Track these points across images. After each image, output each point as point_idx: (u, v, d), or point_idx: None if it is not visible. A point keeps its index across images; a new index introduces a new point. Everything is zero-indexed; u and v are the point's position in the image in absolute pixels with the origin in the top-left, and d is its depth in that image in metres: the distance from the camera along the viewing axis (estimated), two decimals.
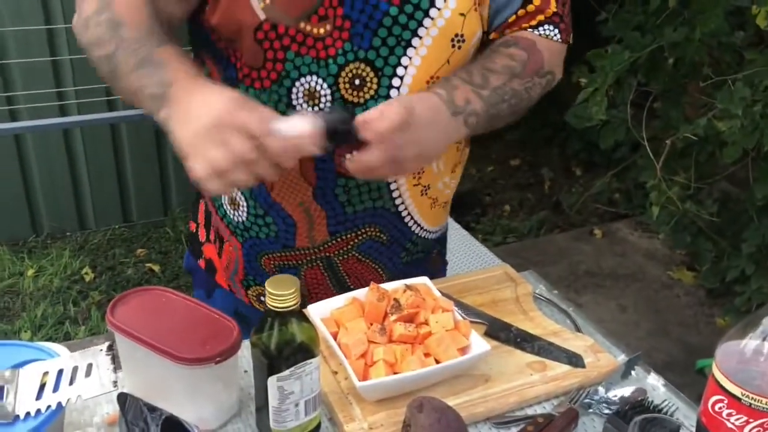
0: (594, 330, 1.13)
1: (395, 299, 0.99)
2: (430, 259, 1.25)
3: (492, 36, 1.05)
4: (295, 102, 0.98)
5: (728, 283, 2.70)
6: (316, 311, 1.00)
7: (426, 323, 0.98)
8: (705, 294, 2.92)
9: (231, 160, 0.78)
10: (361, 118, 0.86)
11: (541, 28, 1.04)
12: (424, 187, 1.10)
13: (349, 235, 1.10)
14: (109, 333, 0.86)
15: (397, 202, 1.09)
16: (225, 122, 0.79)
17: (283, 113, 0.92)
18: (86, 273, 3.02)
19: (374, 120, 0.86)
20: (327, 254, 1.11)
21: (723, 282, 2.75)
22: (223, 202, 1.13)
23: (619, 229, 3.37)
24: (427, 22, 0.95)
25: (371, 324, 0.97)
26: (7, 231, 3.17)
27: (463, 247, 2.12)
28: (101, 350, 0.85)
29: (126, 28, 0.90)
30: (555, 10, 1.04)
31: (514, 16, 1.03)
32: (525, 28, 1.04)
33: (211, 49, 1.02)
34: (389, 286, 1.03)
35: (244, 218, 1.10)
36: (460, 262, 2.04)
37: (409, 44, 0.96)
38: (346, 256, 1.12)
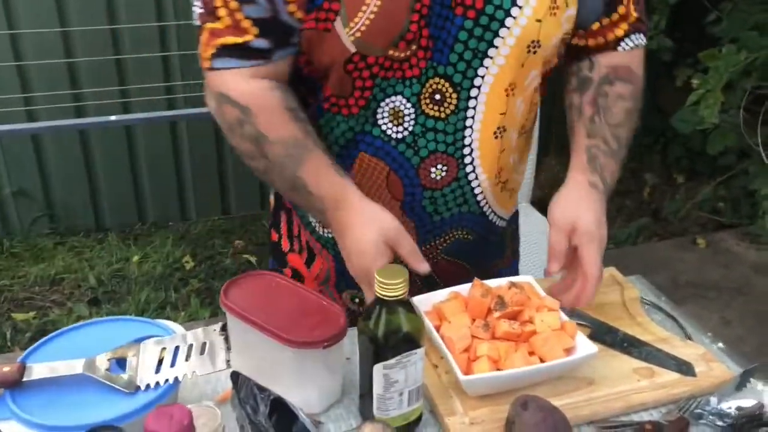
0: (706, 338, 1.08)
1: (499, 296, 0.98)
2: (506, 239, 1.25)
3: (574, 41, 1.06)
4: (380, 122, 1.00)
5: None
6: (419, 303, 1.00)
7: (531, 321, 0.96)
8: None
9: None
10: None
11: (628, 40, 1.06)
12: (503, 182, 1.11)
13: (438, 241, 1.11)
14: (222, 315, 0.90)
15: (482, 204, 1.09)
16: (381, 254, 0.91)
17: (369, 132, 1.01)
18: (186, 261, 3.15)
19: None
20: None
21: None
22: (311, 219, 1.14)
23: (723, 239, 3.21)
24: (503, 32, 0.94)
25: (474, 319, 0.97)
26: (116, 219, 3.35)
27: None
28: (215, 330, 0.88)
29: (270, 146, 0.96)
30: (636, 15, 1.06)
31: (598, 24, 1.04)
32: (612, 39, 1.06)
33: (302, 81, 1.02)
34: (493, 283, 1.02)
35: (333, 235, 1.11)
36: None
37: (485, 55, 0.96)
38: (435, 260, 1.12)
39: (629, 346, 1.02)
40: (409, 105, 0.98)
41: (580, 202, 0.99)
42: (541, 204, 3.31)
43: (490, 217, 1.13)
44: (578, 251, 0.97)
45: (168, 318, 2.84)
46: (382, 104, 0.98)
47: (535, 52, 0.98)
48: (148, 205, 3.40)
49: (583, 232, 0.97)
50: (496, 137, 1.03)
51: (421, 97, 0.98)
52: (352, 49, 0.93)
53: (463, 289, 1.02)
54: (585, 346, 0.95)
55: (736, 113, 2.42)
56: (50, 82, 2.91)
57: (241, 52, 0.94)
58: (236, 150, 1.00)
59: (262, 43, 0.94)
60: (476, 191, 1.07)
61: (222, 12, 0.93)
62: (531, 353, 0.94)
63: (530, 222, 2.24)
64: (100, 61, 2.92)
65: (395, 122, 0.99)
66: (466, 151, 1.03)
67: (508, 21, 0.94)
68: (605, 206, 1.02)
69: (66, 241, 3.24)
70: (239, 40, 0.94)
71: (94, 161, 3.21)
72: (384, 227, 0.92)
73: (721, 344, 1.07)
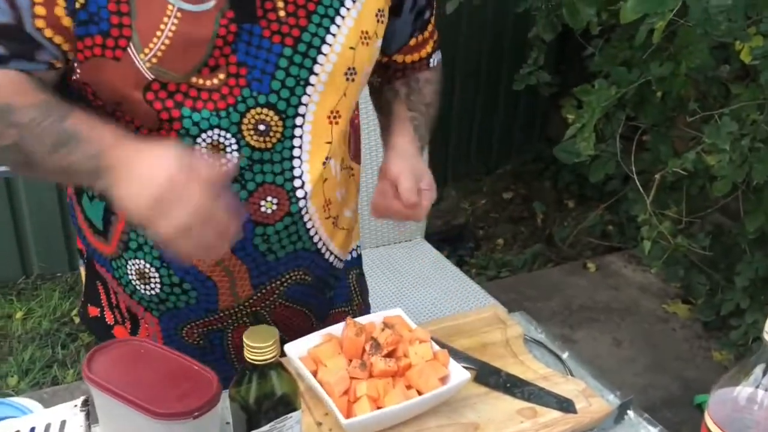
0: (586, 372, 1.10)
1: (373, 338, 0.98)
2: (350, 284, 1.25)
3: (385, 60, 1.14)
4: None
5: (724, 317, 2.68)
6: (293, 351, 0.99)
7: (405, 355, 0.98)
8: (701, 327, 2.89)
9: (195, 214, 0.77)
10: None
11: (435, 56, 1.21)
12: (334, 218, 1.10)
13: (274, 284, 1.07)
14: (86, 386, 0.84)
15: (315, 239, 1.07)
16: (180, 180, 0.77)
17: None
18: (75, 315, 2.98)
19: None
20: (253, 309, 1.08)
21: (718, 315, 2.73)
22: (131, 278, 1.06)
23: (612, 262, 3.35)
24: (321, 58, 0.96)
25: (351, 360, 0.96)
26: None
27: (454, 285, 2.10)
28: (75, 406, 0.82)
29: (19, 112, 0.85)
30: (435, 36, 1.20)
31: (415, 40, 1.15)
32: (425, 55, 1.18)
33: (95, 111, 0.92)
34: (363, 320, 1.03)
35: (158, 290, 1.04)
36: (451, 301, 2.01)
37: (307, 82, 0.96)
38: (272, 306, 1.09)
39: (512, 386, 1.03)
40: (229, 136, 0.94)
41: (409, 160, 1.06)
42: (438, 236, 3.38)
43: (327, 256, 1.11)
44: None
45: (56, 377, 2.68)
46: (199, 139, 0.93)
47: (353, 80, 1.00)
48: (32, 257, 3.21)
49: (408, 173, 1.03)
50: (324, 166, 1.02)
51: (243, 127, 0.94)
52: (150, 76, 0.88)
53: (337, 329, 1.03)
54: (458, 372, 0.98)
55: (614, 142, 2.55)
56: None
57: None
58: None
59: None
60: (308, 225, 1.04)
61: None
62: (408, 387, 0.95)
63: (422, 257, 2.26)
64: None
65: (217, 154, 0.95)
66: (297, 183, 1.00)
67: (325, 48, 0.96)
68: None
69: None
70: None
71: None
72: (179, 152, 0.81)
73: (592, 380, 1.10)
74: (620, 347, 2.80)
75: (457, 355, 1.07)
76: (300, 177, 1.00)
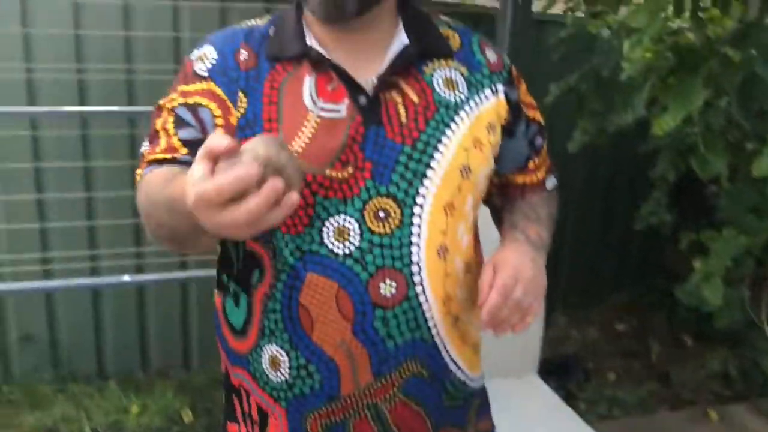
0: None
1: None
2: (470, 409, 1.24)
3: (504, 180, 1.24)
4: (326, 240, 1.06)
5: None
6: None
7: None
8: None
9: (230, 189, 0.74)
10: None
11: (549, 181, 1.30)
12: (454, 317, 1.13)
13: (393, 375, 1.10)
14: None
15: (433, 332, 1.11)
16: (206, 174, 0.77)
17: (316, 252, 1.05)
18: (185, 414, 3.08)
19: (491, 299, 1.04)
20: (374, 400, 1.11)
21: None
22: (264, 368, 1.13)
23: (737, 412, 3.12)
24: (437, 155, 1.08)
25: None
26: (119, 365, 3.33)
27: (568, 426, 2.02)
28: None
29: (146, 184, 1.03)
30: (549, 162, 1.30)
31: (533, 163, 1.25)
32: (539, 178, 1.27)
33: None
34: None
35: (287, 375, 1.11)
36: None
37: (424, 176, 1.07)
38: (392, 401, 1.12)
39: None
40: (353, 221, 1.05)
41: (520, 257, 1.12)
42: (549, 366, 3.28)
43: (443, 354, 1.14)
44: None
45: None
46: (327, 223, 1.05)
47: (468, 177, 1.11)
48: (152, 352, 3.38)
49: (503, 263, 1.10)
50: (440, 256, 1.08)
51: (365, 214, 1.05)
52: None
53: None
54: None
55: (742, 287, 2.45)
56: (68, 242, 3.01)
57: (169, 163, 1.04)
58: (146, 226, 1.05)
59: (189, 159, 1.03)
60: (426, 315, 1.09)
61: (161, 136, 1.07)
62: None
63: (533, 392, 2.20)
64: (120, 224, 3.04)
65: (340, 239, 1.05)
66: (414, 269, 1.07)
67: (441, 146, 1.08)
68: (533, 252, 1.15)
69: (66, 387, 3.20)
70: (168, 156, 1.05)
71: (104, 311, 3.24)
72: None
73: None
74: None
75: None
76: (417, 263, 1.07)
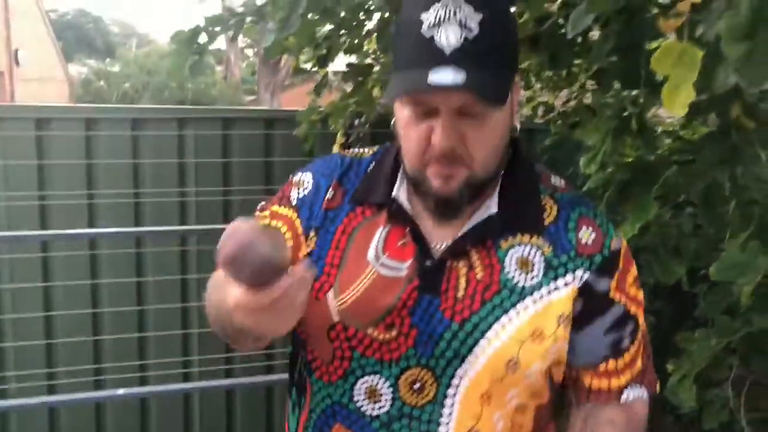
0: None
1: None
2: None
3: (573, 374, 1.09)
4: (357, 397, 1.05)
5: None
6: None
7: None
8: None
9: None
10: None
11: (630, 391, 1.08)
12: None
13: None
14: None
15: None
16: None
17: (345, 406, 1.06)
18: None
19: None
20: None
21: None
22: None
23: None
24: (483, 342, 1.00)
25: None
26: None
27: None
28: None
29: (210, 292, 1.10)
30: (641, 367, 1.09)
31: (603, 365, 1.07)
32: (613, 387, 1.07)
33: (298, 338, 1.13)
34: None
35: None
36: None
37: (465, 358, 1.01)
38: None
39: None
40: (387, 385, 1.03)
41: None
42: None
43: None
44: None
45: None
46: (360, 381, 1.04)
47: (513, 371, 1.01)
48: None
49: None
50: None
51: (400, 381, 1.02)
52: (336, 319, 1.03)
53: None
54: None
55: (726, 387, 2.46)
56: (73, 357, 3.18)
57: None
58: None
59: None
60: None
61: None
62: None
63: None
64: (125, 338, 3.23)
65: (371, 399, 1.04)
66: None
67: (490, 333, 1.00)
68: None
69: None
70: None
71: (107, 421, 3.34)
72: None
73: None
74: None
75: None
76: None
